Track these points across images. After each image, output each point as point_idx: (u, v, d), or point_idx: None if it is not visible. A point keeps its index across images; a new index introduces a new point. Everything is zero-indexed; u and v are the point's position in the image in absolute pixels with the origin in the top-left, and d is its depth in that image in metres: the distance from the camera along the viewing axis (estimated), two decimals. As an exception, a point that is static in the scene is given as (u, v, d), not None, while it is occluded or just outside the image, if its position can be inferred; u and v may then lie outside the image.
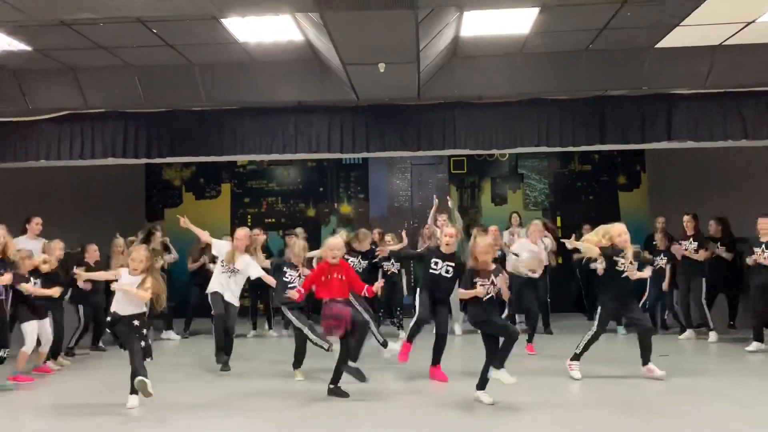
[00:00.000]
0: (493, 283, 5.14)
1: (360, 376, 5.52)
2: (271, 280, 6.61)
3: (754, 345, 7.36)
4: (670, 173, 11.04)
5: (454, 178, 12.13)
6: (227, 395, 5.58)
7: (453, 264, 5.91)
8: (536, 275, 7.52)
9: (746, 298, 8.52)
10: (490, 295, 5.13)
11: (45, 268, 6.67)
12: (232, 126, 8.53)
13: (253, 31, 6.70)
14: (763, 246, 7.35)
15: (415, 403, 5.30)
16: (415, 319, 6.12)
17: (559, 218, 11.96)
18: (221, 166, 11.94)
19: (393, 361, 6.34)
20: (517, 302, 7.87)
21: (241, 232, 6.82)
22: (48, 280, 6.64)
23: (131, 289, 5.14)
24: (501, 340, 5.12)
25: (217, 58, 7.53)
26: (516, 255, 7.66)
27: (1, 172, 9.00)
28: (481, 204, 12.16)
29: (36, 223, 7.65)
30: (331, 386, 5.43)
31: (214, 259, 9.23)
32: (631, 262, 5.94)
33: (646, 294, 8.73)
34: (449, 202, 8.37)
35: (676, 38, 7.06)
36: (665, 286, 8.58)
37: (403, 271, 9.21)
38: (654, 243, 9.00)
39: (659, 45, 7.28)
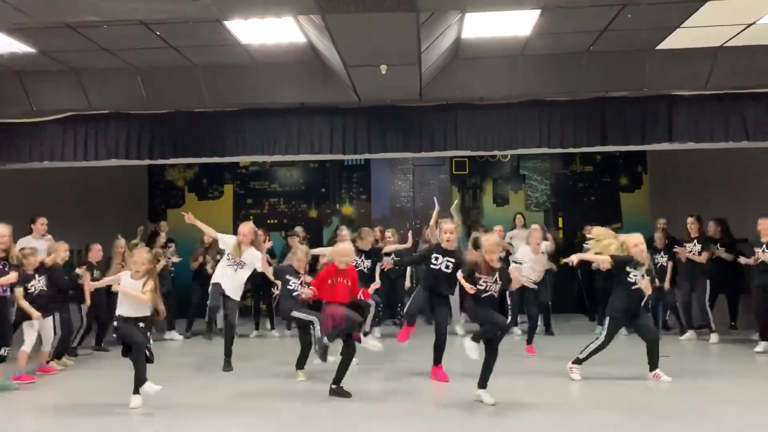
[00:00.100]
0: (495, 281, 5.14)
1: (323, 354, 5.58)
2: (271, 275, 6.73)
3: (762, 345, 7.35)
4: (672, 174, 11.04)
5: (456, 179, 12.15)
6: (230, 395, 5.60)
7: (453, 259, 5.95)
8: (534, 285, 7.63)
9: (746, 298, 8.54)
10: (489, 293, 5.14)
11: (51, 259, 6.73)
12: (234, 127, 8.57)
13: (256, 33, 6.73)
14: (764, 246, 7.36)
15: (416, 403, 5.31)
16: (406, 310, 6.25)
17: (560, 219, 11.98)
18: (224, 167, 11.97)
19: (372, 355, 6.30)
20: (518, 303, 7.90)
21: (246, 227, 6.85)
22: (52, 279, 6.68)
23: (132, 292, 5.17)
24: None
25: (220, 60, 7.57)
26: (518, 263, 7.71)
27: (6, 173, 9.05)
28: (482, 205, 12.17)
29: (41, 224, 7.69)
30: (333, 386, 5.46)
31: (218, 257, 9.35)
32: (642, 276, 5.90)
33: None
34: (454, 204, 8.48)
35: (676, 40, 7.08)
36: (666, 284, 8.57)
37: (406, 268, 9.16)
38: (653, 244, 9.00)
39: (660, 46, 7.30)
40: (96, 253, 7.78)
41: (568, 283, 10.32)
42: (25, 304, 6.30)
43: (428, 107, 8.40)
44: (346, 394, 5.41)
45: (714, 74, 7.52)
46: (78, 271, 7.19)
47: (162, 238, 9.40)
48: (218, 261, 9.18)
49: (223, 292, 6.71)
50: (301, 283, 6.30)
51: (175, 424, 4.80)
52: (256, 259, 6.74)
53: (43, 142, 8.57)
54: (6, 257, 5.91)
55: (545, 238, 8.12)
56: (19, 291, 6.26)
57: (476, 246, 9.27)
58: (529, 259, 7.78)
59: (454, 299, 9.01)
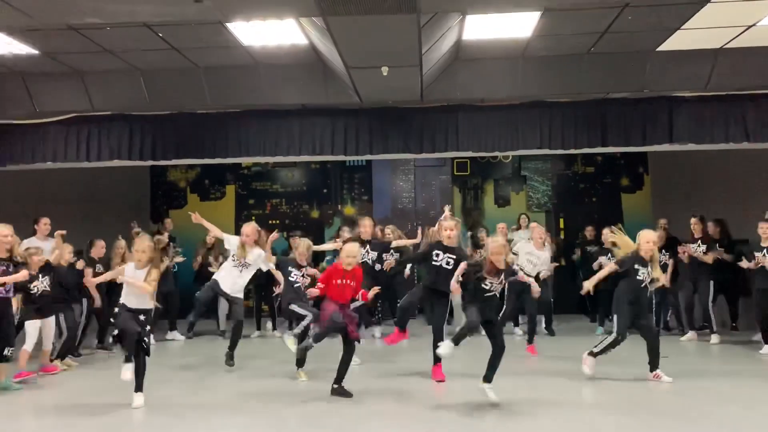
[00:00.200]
0: (501, 282, 5.16)
1: (302, 353, 5.59)
2: (279, 276, 6.78)
3: (767, 348, 7.34)
4: (673, 175, 11.05)
5: (458, 179, 12.16)
6: (231, 395, 5.62)
7: (454, 256, 5.95)
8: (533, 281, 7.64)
9: (745, 299, 8.55)
10: (493, 293, 5.15)
11: (55, 257, 6.78)
12: (236, 128, 8.61)
13: (258, 34, 6.77)
14: (765, 251, 7.36)
15: (416, 403, 5.32)
16: (399, 304, 6.28)
17: (562, 220, 11.99)
18: (226, 167, 12.00)
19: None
20: (514, 302, 7.91)
21: (248, 227, 6.87)
22: (57, 278, 6.71)
23: (136, 281, 5.19)
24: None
25: (222, 62, 7.61)
26: (515, 254, 7.70)
27: (9, 174, 9.10)
28: (484, 206, 12.18)
29: (44, 224, 7.73)
30: (335, 386, 5.48)
31: (220, 257, 9.39)
32: (648, 273, 5.90)
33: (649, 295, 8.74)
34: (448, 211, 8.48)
35: (677, 41, 7.10)
36: (667, 281, 8.55)
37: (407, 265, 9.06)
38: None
39: (661, 48, 7.32)
40: (99, 249, 7.82)
41: (569, 283, 10.33)
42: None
43: (429, 108, 8.43)
44: (347, 394, 5.43)
45: (714, 76, 7.55)
46: (78, 266, 7.23)
47: (163, 239, 9.43)
48: (221, 261, 9.33)
49: (222, 292, 6.74)
50: (303, 275, 6.39)
51: (176, 424, 4.82)
52: (260, 260, 6.77)
53: (46, 143, 8.63)
54: (10, 257, 5.93)
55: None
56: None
57: (475, 245, 9.31)
58: (527, 252, 7.76)
59: (456, 300, 9.08)
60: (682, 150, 8.60)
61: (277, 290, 7.18)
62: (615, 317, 6.06)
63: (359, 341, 5.66)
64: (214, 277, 6.95)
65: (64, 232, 7.13)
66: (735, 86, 7.76)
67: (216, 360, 6.98)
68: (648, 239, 5.93)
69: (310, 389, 5.78)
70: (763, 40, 7.07)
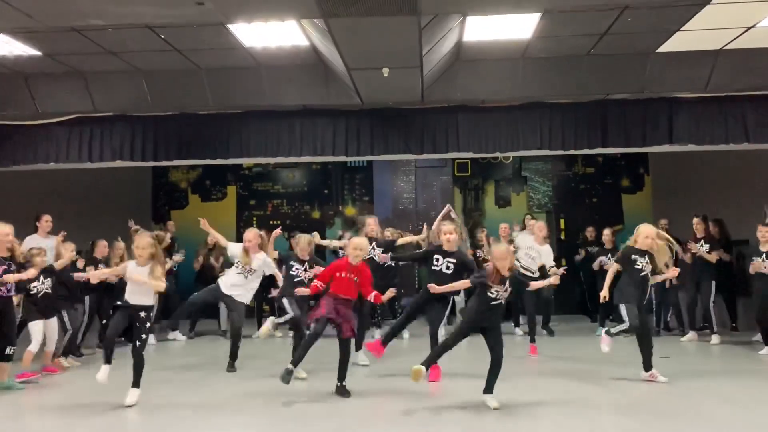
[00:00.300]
0: (506, 290, 5.06)
1: (286, 377, 5.28)
2: (279, 277, 6.84)
3: (767, 350, 7.34)
4: (674, 176, 11.08)
5: (458, 180, 12.20)
6: (232, 395, 5.64)
7: (454, 260, 5.94)
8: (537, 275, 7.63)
9: (744, 300, 8.57)
10: (499, 301, 5.06)
11: (60, 264, 6.80)
12: (238, 129, 8.64)
13: (259, 36, 6.80)
14: (764, 255, 7.37)
15: (416, 403, 5.33)
16: (395, 323, 6.34)
17: (562, 220, 12.02)
18: (227, 168, 12.05)
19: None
20: (519, 303, 7.93)
21: (250, 233, 6.88)
22: (61, 279, 6.74)
23: (146, 279, 5.20)
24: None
25: (224, 63, 7.64)
26: (515, 248, 7.71)
27: (11, 174, 9.15)
28: (484, 206, 12.22)
29: (45, 221, 7.73)
30: (337, 385, 5.51)
31: (221, 258, 9.43)
32: (647, 263, 5.90)
33: (649, 293, 8.75)
34: (452, 213, 8.48)
35: (677, 43, 7.13)
36: (672, 275, 8.54)
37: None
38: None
39: (660, 49, 7.34)
40: (102, 249, 7.85)
41: (570, 284, 10.36)
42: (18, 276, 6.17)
43: (430, 109, 8.46)
44: (345, 394, 5.45)
45: (714, 77, 7.57)
46: (78, 264, 7.27)
47: (166, 240, 9.47)
48: (221, 262, 9.37)
49: (224, 296, 6.76)
50: (305, 269, 6.47)
51: (177, 424, 4.83)
52: (266, 265, 6.77)
53: (49, 143, 8.67)
54: (11, 256, 5.94)
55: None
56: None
57: (474, 246, 9.32)
58: (528, 246, 7.75)
59: (458, 301, 9.10)
60: (683, 151, 8.62)
61: (275, 292, 7.19)
62: (623, 308, 5.96)
63: (355, 340, 5.68)
64: (218, 281, 6.90)
65: (61, 237, 7.15)
66: (735, 87, 7.78)
67: (217, 360, 7.01)
68: (646, 234, 5.92)
69: (311, 389, 5.79)
70: (763, 41, 7.09)
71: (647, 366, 5.93)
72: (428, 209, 11.76)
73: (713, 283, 8.25)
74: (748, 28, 6.73)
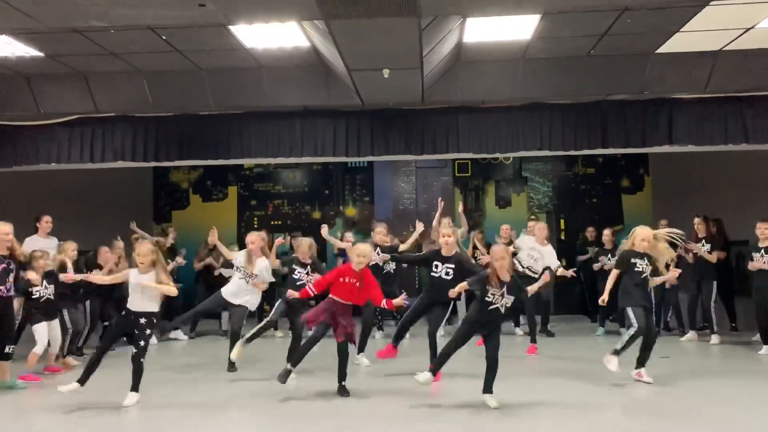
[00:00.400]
0: (503, 294, 5.03)
1: (283, 377, 5.51)
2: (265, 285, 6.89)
3: (766, 349, 7.35)
4: (674, 176, 11.10)
5: (459, 181, 12.22)
6: (232, 395, 5.67)
7: (452, 266, 5.90)
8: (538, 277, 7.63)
9: (742, 300, 8.58)
10: (495, 306, 5.03)
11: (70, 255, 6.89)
12: (239, 130, 8.67)
13: (260, 37, 6.83)
14: (762, 251, 7.40)
15: (415, 403, 5.35)
16: (401, 321, 6.39)
17: (562, 221, 12.04)
18: (228, 169, 12.07)
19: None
20: (518, 303, 7.92)
21: (252, 235, 6.90)
22: (61, 281, 6.76)
23: (157, 285, 5.22)
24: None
25: (225, 64, 7.67)
26: (517, 249, 7.74)
27: (13, 175, 9.18)
28: (485, 207, 12.24)
29: (46, 222, 7.74)
30: (338, 385, 5.54)
31: (222, 261, 9.46)
32: (647, 265, 5.88)
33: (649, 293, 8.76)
34: (459, 208, 8.52)
35: (676, 44, 7.15)
36: (672, 278, 8.55)
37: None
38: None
39: (660, 50, 7.37)
40: (104, 255, 7.86)
41: (570, 284, 10.39)
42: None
43: (430, 110, 8.49)
44: (345, 394, 5.48)
45: (713, 77, 7.59)
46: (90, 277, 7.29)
47: (169, 240, 9.54)
48: (221, 262, 9.40)
49: (228, 303, 6.78)
50: (307, 272, 6.52)
51: (178, 424, 4.85)
52: (266, 271, 6.79)
53: (50, 144, 8.71)
54: (10, 255, 5.94)
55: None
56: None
57: (475, 246, 9.33)
58: (530, 247, 7.76)
59: (459, 303, 9.11)
60: (682, 151, 8.64)
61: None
62: (629, 311, 5.87)
63: (353, 342, 5.70)
64: (222, 291, 6.87)
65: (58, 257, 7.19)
66: (734, 88, 7.81)
67: (218, 360, 7.03)
68: (642, 237, 5.89)
69: (311, 389, 5.81)
70: (762, 42, 7.12)
71: (639, 364, 5.89)
72: (429, 210, 11.74)
73: (714, 283, 8.26)
74: (748, 29, 6.75)
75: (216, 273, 9.50)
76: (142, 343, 5.25)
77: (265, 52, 7.27)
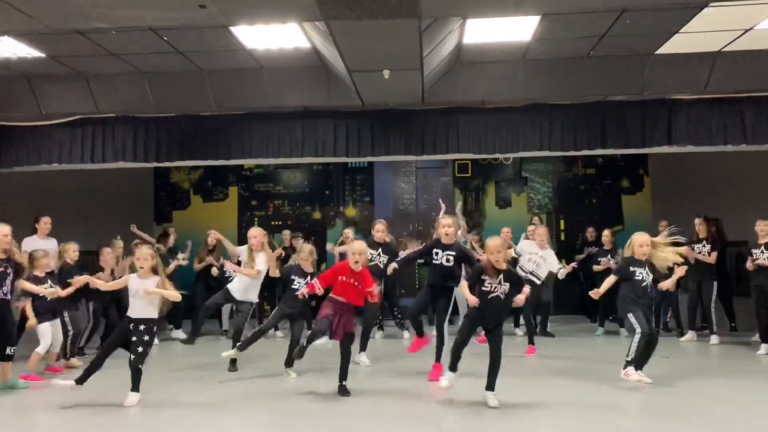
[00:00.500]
0: (500, 282, 5.10)
1: (299, 352, 5.56)
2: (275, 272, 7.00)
3: (764, 348, 7.39)
4: (673, 177, 11.11)
5: (459, 181, 12.23)
6: (233, 394, 5.68)
7: (453, 253, 6.00)
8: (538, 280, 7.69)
9: (741, 300, 8.60)
10: (495, 294, 5.11)
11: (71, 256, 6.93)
12: (240, 130, 8.69)
13: (261, 38, 6.85)
14: (762, 248, 7.42)
15: (416, 403, 5.38)
16: (409, 312, 6.40)
17: (562, 221, 12.05)
18: (228, 169, 12.07)
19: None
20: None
21: (254, 230, 6.97)
22: (63, 281, 6.78)
23: (159, 291, 5.25)
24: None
25: (226, 65, 7.69)
26: (518, 255, 7.76)
27: (14, 175, 9.20)
28: (485, 207, 12.26)
29: (44, 223, 7.72)
30: (339, 384, 5.57)
31: (221, 258, 9.49)
32: (648, 273, 5.89)
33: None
34: (458, 207, 8.55)
35: (675, 45, 7.17)
36: (671, 286, 8.57)
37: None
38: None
39: (659, 51, 7.39)
40: (107, 256, 7.88)
41: (570, 284, 10.40)
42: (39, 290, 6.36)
43: (430, 111, 8.51)
44: (345, 393, 5.51)
45: (713, 78, 7.61)
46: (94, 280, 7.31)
47: (171, 240, 9.57)
48: (221, 262, 9.43)
49: (233, 299, 6.84)
50: (305, 282, 6.38)
51: (178, 423, 4.87)
52: (261, 265, 6.83)
53: (52, 144, 8.73)
54: (7, 258, 5.91)
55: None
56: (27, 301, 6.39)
57: (472, 248, 9.33)
58: (531, 252, 7.77)
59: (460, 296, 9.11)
60: (682, 152, 8.66)
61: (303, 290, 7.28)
62: (631, 318, 5.86)
63: (360, 341, 5.73)
64: (227, 286, 7.00)
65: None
66: (733, 89, 7.83)
67: (218, 360, 7.04)
68: (640, 243, 5.90)
69: (312, 388, 5.83)
70: (761, 43, 7.14)
71: (636, 366, 5.85)
72: (429, 210, 11.78)
73: (714, 284, 8.28)
74: (746, 31, 6.77)
75: (216, 274, 9.53)
76: (140, 349, 5.26)
77: (265, 52, 7.30)
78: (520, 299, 5.13)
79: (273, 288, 9.27)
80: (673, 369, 6.37)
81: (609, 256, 9.31)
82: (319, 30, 6.19)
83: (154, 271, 5.38)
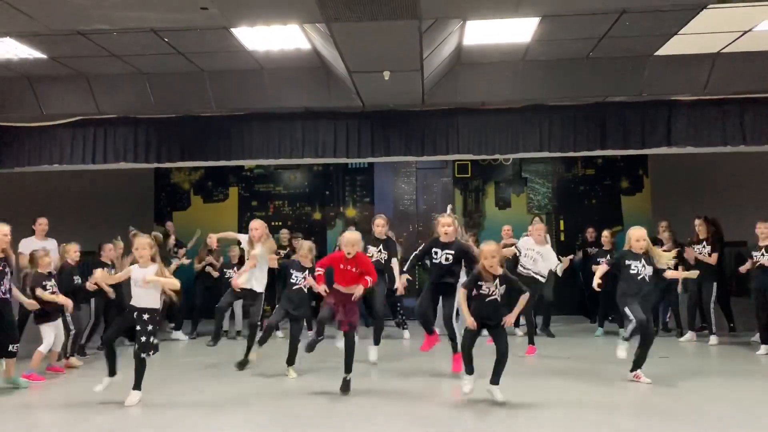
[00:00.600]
0: (496, 285, 5.16)
1: (310, 346, 5.74)
2: (274, 263, 7.05)
3: (764, 348, 7.41)
4: (673, 178, 11.13)
5: (459, 182, 12.24)
6: (233, 394, 5.70)
7: (452, 251, 6.05)
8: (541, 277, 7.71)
9: (740, 301, 8.62)
10: (493, 297, 5.16)
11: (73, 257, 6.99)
12: (240, 131, 8.71)
13: (262, 39, 6.87)
14: (763, 250, 7.44)
15: (417, 402, 5.39)
16: (416, 311, 6.48)
17: (562, 222, 12.07)
18: (229, 169, 12.08)
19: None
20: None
21: (256, 222, 7.00)
22: (63, 281, 6.80)
23: (159, 278, 5.27)
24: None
25: (227, 66, 7.71)
26: (518, 252, 7.78)
27: (15, 176, 9.21)
28: (485, 208, 12.27)
29: (40, 224, 7.74)
30: (344, 377, 5.61)
31: (222, 261, 9.52)
32: (644, 266, 5.90)
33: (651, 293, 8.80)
34: (450, 210, 8.54)
35: (675, 46, 7.19)
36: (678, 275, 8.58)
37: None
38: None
39: (658, 53, 7.41)
40: (108, 252, 7.91)
41: (570, 284, 10.42)
42: (52, 297, 6.47)
43: (430, 112, 8.53)
44: (346, 390, 5.55)
45: (712, 79, 7.63)
46: (96, 280, 7.34)
47: (171, 240, 9.59)
48: (221, 262, 9.45)
49: (240, 293, 6.84)
50: (304, 277, 6.45)
51: (178, 423, 4.88)
52: (263, 256, 6.87)
53: (53, 145, 8.75)
54: (4, 257, 5.93)
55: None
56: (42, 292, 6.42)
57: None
58: (528, 248, 7.78)
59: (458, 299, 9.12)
60: (681, 153, 8.68)
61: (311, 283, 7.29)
62: (626, 311, 5.91)
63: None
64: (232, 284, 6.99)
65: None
66: (732, 90, 7.84)
67: (219, 360, 7.07)
68: (637, 237, 5.96)
69: (312, 388, 5.85)
70: (760, 45, 7.16)
71: (636, 366, 5.92)
72: (429, 211, 11.80)
73: (714, 284, 8.30)
74: (745, 32, 6.79)
75: (215, 275, 9.55)
76: (143, 339, 5.27)
77: (266, 54, 7.32)
78: (512, 317, 5.30)
79: (273, 288, 9.26)
80: (672, 369, 6.38)
81: (608, 256, 9.31)
82: (319, 31, 6.21)
83: (154, 259, 5.41)
